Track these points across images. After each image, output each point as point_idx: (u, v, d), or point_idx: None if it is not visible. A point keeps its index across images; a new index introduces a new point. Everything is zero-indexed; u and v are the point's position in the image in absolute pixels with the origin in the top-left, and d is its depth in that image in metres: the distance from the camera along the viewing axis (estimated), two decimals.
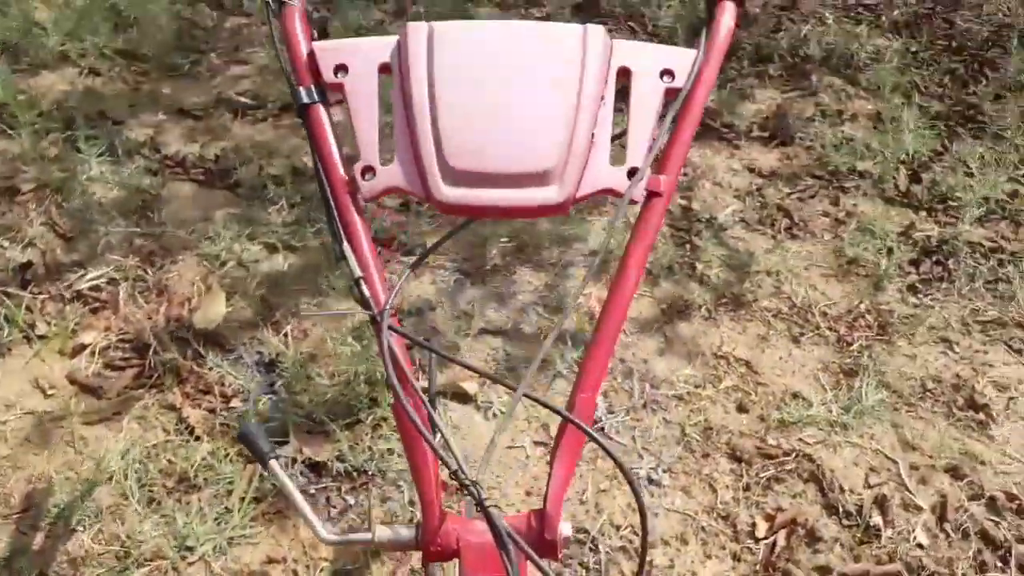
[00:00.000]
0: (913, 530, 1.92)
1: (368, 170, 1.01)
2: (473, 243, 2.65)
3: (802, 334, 2.44)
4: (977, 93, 3.53)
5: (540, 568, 0.84)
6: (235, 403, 2.15)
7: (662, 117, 1.08)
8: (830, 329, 2.46)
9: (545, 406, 1.03)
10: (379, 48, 1.04)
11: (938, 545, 1.90)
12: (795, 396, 2.25)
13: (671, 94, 1.08)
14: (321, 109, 1.03)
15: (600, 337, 1.04)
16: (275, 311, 2.43)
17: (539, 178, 1.00)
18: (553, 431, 2.08)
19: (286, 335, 2.35)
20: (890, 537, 1.90)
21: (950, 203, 2.95)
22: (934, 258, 2.72)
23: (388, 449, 2.06)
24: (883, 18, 4.00)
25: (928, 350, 2.41)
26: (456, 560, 1.00)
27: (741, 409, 2.22)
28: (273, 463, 1.11)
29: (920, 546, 1.88)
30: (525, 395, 1.00)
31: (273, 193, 2.82)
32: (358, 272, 0.98)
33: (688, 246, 2.72)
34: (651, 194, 1.04)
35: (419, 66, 1.01)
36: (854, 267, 2.68)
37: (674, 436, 2.12)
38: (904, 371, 2.34)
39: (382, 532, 1.00)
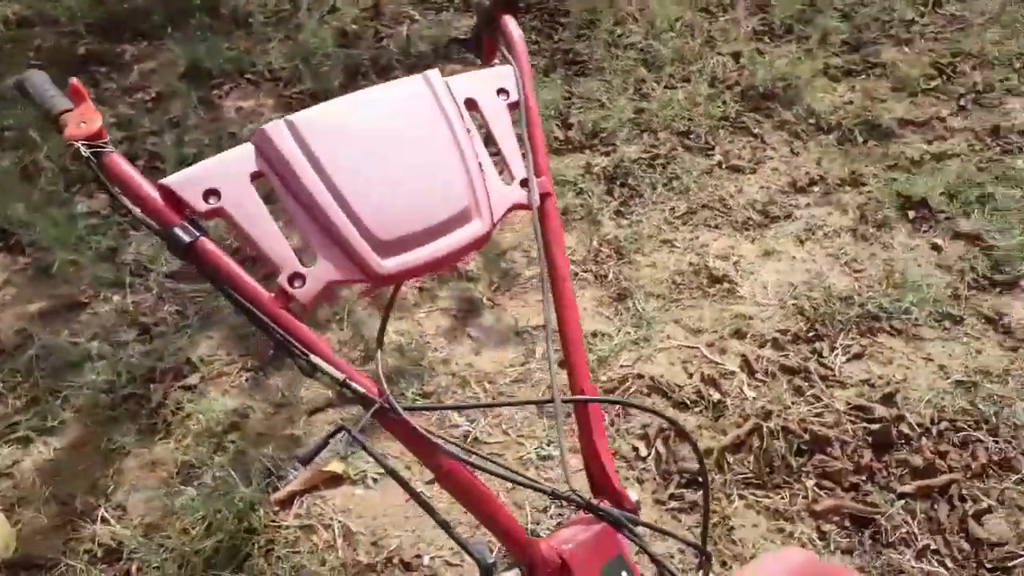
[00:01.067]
0: (742, 390, 2.30)
1: (296, 277, 0.99)
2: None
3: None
4: (563, 39, 4.09)
5: (643, 546, 1.05)
6: None
7: (516, 127, 1.22)
8: (584, 271, 2.78)
9: (584, 401, 1.15)
10: (239, 160, 1.03)
11: (763, 391, 2.30)
12: (595, 335, 2.52)
13: (513, 108, 1.23)
14: (207, 241, 0.99)
15: (568, 334, 1.19)
16: (74, 503, 2.12)
17: (462, 218, 1.09)
18: None
19: (106, 520, 2.07)
20: (733, 403, 2.26)
21: (602, 135, 3.42)
22: (619, 183, 3.17)
23: (293, 567, 1.95)
24: (454, 3, 4.42)
25: (659, 255, 2.84)
26: None
27: (563, 366, 2.43)
28: None
29: (755, 399, 2.27)
30: (564, 400, 1.13)
31: None
32: (340, 375, 0.99)
33: None
34: (544, 196, 1.19)
35: (299, 161, 1.02)
36: (570, 214, 3.02)
37: (533, 414, 2.28)
38: (655, 277, 2.73)
39: None
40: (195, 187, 0.98)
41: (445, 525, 1.19)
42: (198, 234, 0.98)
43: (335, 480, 2.14)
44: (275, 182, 1.02)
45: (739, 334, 2.49)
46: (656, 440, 2.19)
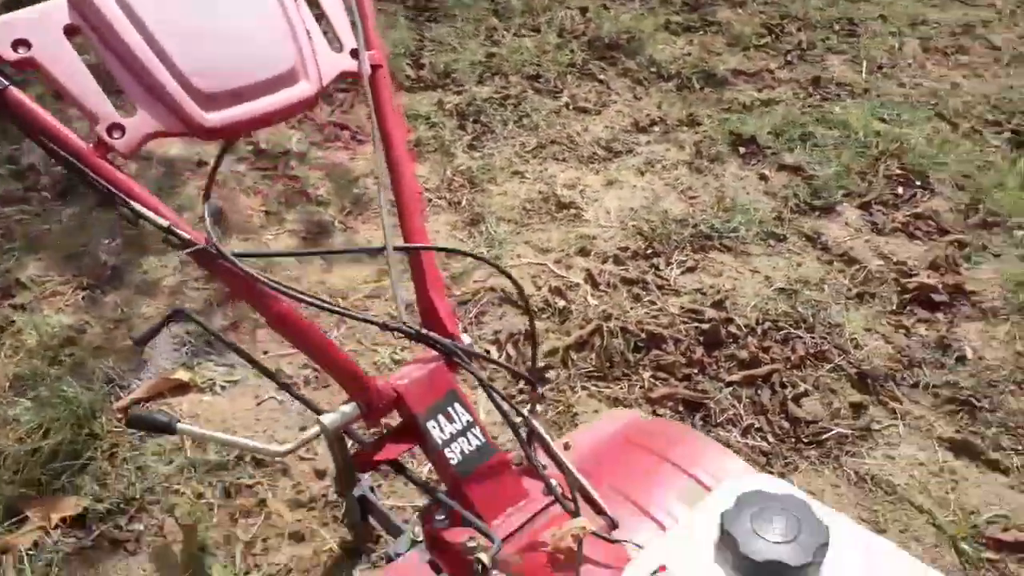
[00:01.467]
0: (586, 299, 2.42)
1: (115, 128, 0.97)
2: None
3: (421, 211, 2.76)
4: None
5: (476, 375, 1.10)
6: None
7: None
8: (438, 198, 2.82)
9: (417, 249, 1.19)
10: (52, 13, 0.99)
11: (605, 299, 2.42)
12: (449, 256, 2.57)
13: None
14: (16, 90, 0.96)
15: (403, 192, 1.24)
16: None
17: (288, 78, 1.11)
18: None
19: None
20: (577, 309, 2.37)
21: (453, 76, 3.48)
22: (471, 119, 3.23)
23: (139, 467, 1.90)
24: None
25: (511, 185, 2.92)
26: None
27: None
28: (181, 425, 1.10)
29: (597, 305, 2.39)
30: (395, 248, 1.16)
31: None
32: (164, 221, 0.99)
33: (293, 185, 2.84)
34: (375, 67, 1.22)
35: (118, 17, 1.00)
36: (422, 147, 3.05)
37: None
38: (506, 204, 2.81)
39: (329, 419, 1.07)
40: (2, 37, 0.95)
41: (287, 387, 1.21)
42: (7, 83, 0.95)
43: (182, 388, 2.09)
44: (91, 36, 0.99)
45: (584, 252, 2.61)
46: (507, 343, 2.26)
